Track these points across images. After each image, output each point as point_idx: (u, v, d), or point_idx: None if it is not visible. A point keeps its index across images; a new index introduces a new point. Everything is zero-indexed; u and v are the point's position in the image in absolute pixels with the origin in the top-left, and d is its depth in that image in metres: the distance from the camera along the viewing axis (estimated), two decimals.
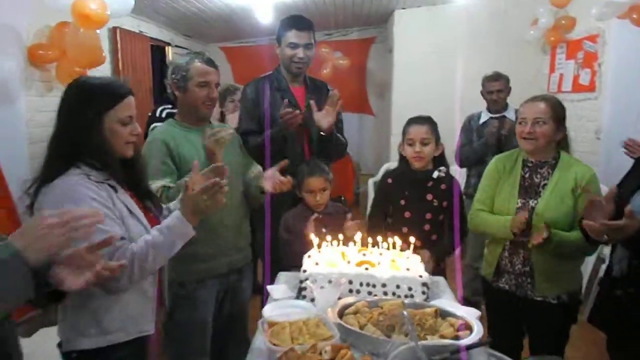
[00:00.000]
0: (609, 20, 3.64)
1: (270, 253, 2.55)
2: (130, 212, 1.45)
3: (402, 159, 2.24)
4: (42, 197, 1.36)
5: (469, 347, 1.16)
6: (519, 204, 2.04)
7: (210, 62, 2.01)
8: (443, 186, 2.17)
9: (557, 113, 2.00)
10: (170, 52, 5.76)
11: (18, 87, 3.14)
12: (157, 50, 5.50)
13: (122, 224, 1.41)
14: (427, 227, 2.14)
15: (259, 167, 2.28)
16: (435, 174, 2.14)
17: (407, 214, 2.16)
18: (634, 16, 3.30)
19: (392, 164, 5.52)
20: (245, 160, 2.24)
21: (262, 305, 2.51)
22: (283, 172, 2.08)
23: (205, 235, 1.69)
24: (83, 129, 1.43)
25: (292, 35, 2.46)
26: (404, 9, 5.50)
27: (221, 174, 1.60)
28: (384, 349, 1.18)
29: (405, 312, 1.19)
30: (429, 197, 2.16)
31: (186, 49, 6.16)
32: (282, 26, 2.52)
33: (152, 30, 5.15)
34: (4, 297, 0.98)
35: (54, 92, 3.51)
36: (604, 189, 1.85)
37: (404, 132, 2.22)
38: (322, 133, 2.40)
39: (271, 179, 2.05)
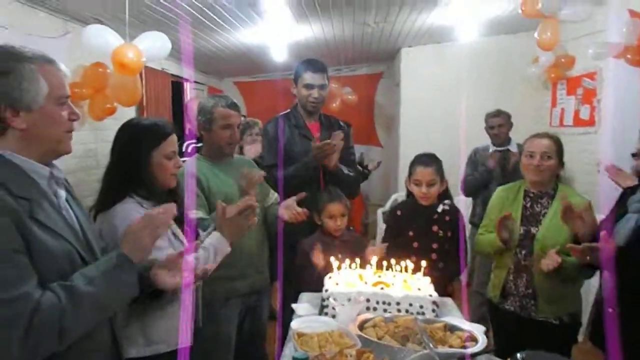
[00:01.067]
0: (605, 59, 3.87)
1: (286, 278, 2.75)
2: (176, 236, 1.66)
3: (409, 193, 2.43)
4: (103, 222, 1.57)
5: (475, 355, 1.32)
6: (522, 231, 2.22)
7: (233, 106, 2.25)
8: (447, 218, 2.36)
9: (560, 149, 2.23)
10: (188, 87, 6.06)
11: None
12: (176, 85, 5.80)
13: (169, 246, 1.61)
14: (434, 256, 2.31)
15: (276, 195, 2.49)
16: (440, 208, 2.33)
17: (415, 244, 2.34)
18: (629, 56, 3.52)
19: (401, 194, 5.73)
20: (264, 188, 2.45)
21: (278, 329, 2.71)
22: (300, 203, 2.28)
23: (229, 258, 1.87)
24: (135, 163, 1.65)
25: (308, 77, 2.70)
26: (410, 47, 5.79)
27: (251, 206, 1.81)
28: (400, 356, 1.35)
29: (420, 324, 1.36)
30: (435, 228, 2.34)
31: (202, 84, 6.47)
32: (298, 68, 2.76)
33: (173, 67, 5.46)
34: (120, 299, 1.23)
35: (86, 127, 3.77)
36: (600, 218, 2.04)
37: (411, 172, 2.40)
38: (329, 169, 2.59)
39: (289, 208, 2.25)
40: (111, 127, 4.06)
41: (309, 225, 2.51)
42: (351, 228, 3.41)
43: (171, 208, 1.31)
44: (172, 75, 5.51)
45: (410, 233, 2.36)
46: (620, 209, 1.89)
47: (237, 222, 1.75)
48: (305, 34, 4.82)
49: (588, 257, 1.81)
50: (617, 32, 3.60)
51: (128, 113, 4.55)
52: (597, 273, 2.08)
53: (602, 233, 1.72)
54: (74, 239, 1.23)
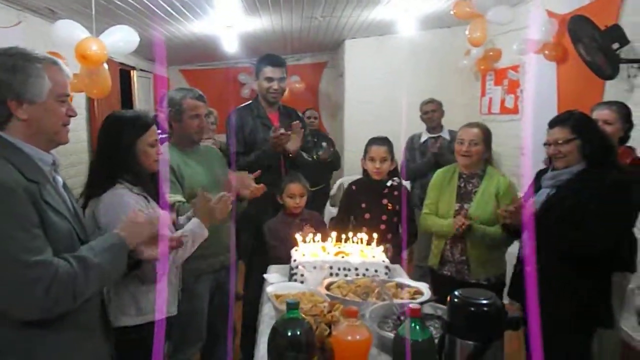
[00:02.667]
0: (527, 53, 4.34)
1: (250, 256, 3.00)
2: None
3: (364, 171, 2.74)
4: (97, 206, 1.74)
5: (422, 303, 1.64)
6: (457, 208, 2.60)
7: (200, 98, 2.44)
8: (395, 193, 2.69)
9: (486, 137, 2.60)
10: (135, 75, 6.05)
11: None
12: (123, 73, 5.79)
13: None
14: (382, 227, 2.63)
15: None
16: (389, 183, 2.66)
17: (366, 216, 2.66)
18: (546, 52, 3.99)
19: (347, 178, 6.07)
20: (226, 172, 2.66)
21: (243, 309, 2.94)
22: (258, 181, 2.51)
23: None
24: (123, 151, 1.82)
25: (268, 71, 2.94)
26: (353, 38, 6.09)
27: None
28: (363, 307, 1.65)
29: (378, 282, 1.67)
30: (384, 201, 2.67)
31: (149, 72, 6.47)
32: (259, 63, 2.99)
33: (120, 56, 5.44)
34: (115, 273, 1.42)
35: None
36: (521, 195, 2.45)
37: (367, 150, 2.71)
38: (289, 155, 2.87)
39: (246, 186, 2.42)
40: None
41: (273, 207, 2.77)
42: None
43: (169, 218, 1.52)
44: (120, 63, 5.50)
45: (363, 205, 2.68)
46: (536, 185, 2.29)
47: (214, 209, 1.95)
48: (254, 25, 4.99)
49: (514, 220, 2.20)
50: (537, 30, 4.07)
51: (78, 102, 4.57)
52: (517, 242, 2.49)
53: (526, 202, 2.11)
54: (71, 218, 1.42)
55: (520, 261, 2.36)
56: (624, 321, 2.51)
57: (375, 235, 2.27)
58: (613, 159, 2.14)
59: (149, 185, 1.89)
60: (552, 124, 2.19)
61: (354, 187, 2.77)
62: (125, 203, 1.74)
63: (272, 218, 2.70)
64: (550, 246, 2.07)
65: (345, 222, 2.69)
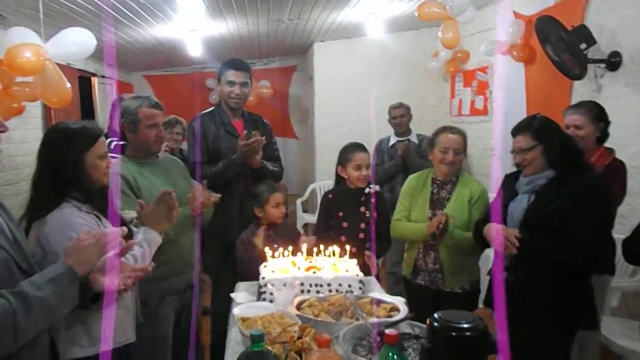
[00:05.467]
0: (495, 55, 4.34)
1: (217, 272, 2.86)
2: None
3: (340, 178, 2.63)
4: (41, 229, 1.58)
5: (398, 321, 1.55)
6: (430, 214, 2.52)
7: (157, 106, 2.27)
8: (373, 200, 2.60)
9: (465, 144, 2.54)
10: (96, 82, 5.82)
11: None
12: (84, 81, 5.55)
13: None
14: (361, 235, 2.54)
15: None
16: (367, 190, 2.57)
17: (344, 224, 2.56)
18: (514, 53, 3.99)
19: (319, 184, 5.98)
20: (190, 183, 2.50)
21: (212, 323, 2.81)
22: (227, 200, 2.39)
23: (162, 256, 1.94)
24: (69, 167, 1.67)
25: (230, 75, 2.80)
26: (322, 41, 6.01)
27: (169, 193, 1.88)
28: (336, 329, 1.54)
29: (351, 299, 1.56)
30: (362, 209, 2.57)
31: (111, 78, 6.24)
32: (222, 67, 2.85)
33: (79, 62, 5.22)
34: (65, 305, 1.27)
35: None
36: (492, 197, 2.38)
37: (349, 158, 2.56)
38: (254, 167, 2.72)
39: (201, 195, 2.27)
40: (18, 126, 3.88)
41: (240, 219, 2.64)
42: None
43: (120, 230, 1.39)
44: (79, 70, 5.27)
45: (340, 214, 2.58)
46: (508, 191, 2.23)
47: (157, 212, 1.85)
48: (220, 29, 4.85)
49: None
50: (504, 31, 4.07)
51: (33, 112, 4.33)
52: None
53: (495, 206, 2.07)
54: (8, 246, 1.26)
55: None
56: (603, 324, 2.48)
57: (347, 247, 2.17)
58: (580, 162, 2.11)
59: (99, 202, 1.74)
60: (515, 132, 2.16)
61: (330, 196, 2.67)
62: (73, 223, 1.58)
63: (242, 230, 2.57)
64: (535, 255, 2.02)
65: (326, 232, 2.60)
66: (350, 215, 2.56)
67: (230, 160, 2.69)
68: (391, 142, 4.27)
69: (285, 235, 2.45)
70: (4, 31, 3.72)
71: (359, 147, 2.62)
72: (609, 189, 2.12)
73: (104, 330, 1.67)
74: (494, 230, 2.08)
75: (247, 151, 2.63)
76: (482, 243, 2.29)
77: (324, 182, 5.88)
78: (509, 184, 2.22)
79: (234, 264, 2.55)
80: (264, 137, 2.69)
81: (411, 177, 2.70)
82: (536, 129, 2.08)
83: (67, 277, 1.26)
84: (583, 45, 3.07)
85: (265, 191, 2.51)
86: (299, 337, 1.41)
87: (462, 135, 2.53)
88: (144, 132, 2.23)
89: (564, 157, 2.06)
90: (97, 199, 1.74)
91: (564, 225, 1.98)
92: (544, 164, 2.08)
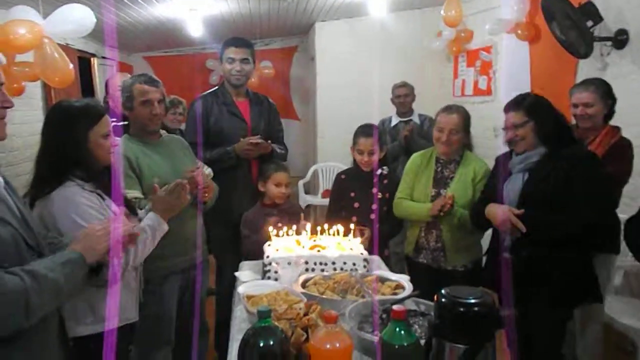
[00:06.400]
0: (500, 34, 4.29)
1: (221, 251, 2.86)
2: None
3: (354, 159, 2.66)
4: (44, 208, 1.57)
5: (404, 299, 1.55)
6: (433, 193, 2.51)
7: (150, 82, 2.24)
8: (385, 181, 2.60)
9: (466, 123, 2.50)
10: (96, 63, 5.77)
11: None
12: (83, 61, 5.50)
13: None
14: (372, 216, 2.55)
15: (209, 169, 2.57)
16: (379, 172, 2.56)
17: (356, 205, 2.58)
18: (519, 32, 3.94)
19: (320, 165, 5.96)
20: (195, 164, 2.50)
21: (216, 303, 2.82)
22: (233, 181, 2.38)
23: (166, 236, 1.91)
24: (72, 145, 1.65)
25: (230, 52, 2.78)
26: (324, 21, 5.93)
27: (182, 185, 1.88)
28: (342, 306, 1.54)
29: (357, 277, 1.56)
30: (374, 190, 2.57)
31: (111, 59, 6.18)
32: (222, 46, 2.83)
33: (78, 43, 5.17)
34: (73, 290, 1.30)
35: None
36: None
37: (355, 141, 2.61)
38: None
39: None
40: (18, 107, 3.84)
41: (244, 201, 2.63)
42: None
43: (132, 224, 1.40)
44: (79, 50, 5.22)
45: (352, 194, 2.60)
46: (500, 170, 2.22)
47: (169, 200, 1.84)
48: (220, 8, 4.78)
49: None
50: (509, 9, 4.01)
51: (34, 92, 4.30)
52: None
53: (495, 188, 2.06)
54: (17, 225, 1.26)
55: (493, 249, 2.28)
56: (607, 303, 2.49)
57: (352, 225, 2.17)
58: (571, 137, 2.13)
59: (103, 181, 1.73)
60: (507, 108, 2.16)
61: (343, 177, 2.71)
62: (77, 203, 1.58)
63: (246, 211, 2.57)
64: (535, 233, 2.02)
65: (338, 212, 2.61)
66: (362, 196, 2.58)
67: (225, 151, 2.70)
68: (393, 123, 4.23)
69: (288, 215, 2.45)
70: (6, 11, 3.69)
71: (363, 131, 2.62)
72: (599, 159, 2.15)
73: (109, 309, 1.69)
74: (500, 211, 2.07)
75: (248, 150, 2.64)
76: (479, 226, 2.30)
77: (326, 164, 5.86)
78: (503, 164, 2.22)
79: (238, 244, 2.56)
80: (269, 146, 2.72)
81: (415, 155, 2.68)
82: (529, 105, 2.10)
83: (78, 263, 1.29)
84: (589, 23, 3.03)
85: (270, 168, 2.52)
86: (305, 314, 1.41)
87: (462, 114, 2.48)
88: (138, 109, 2.21)
89: (555, 134, 2.07)
90: (99, 178, 1.73)
91: (561, 198, 1.98)
92: (535, 141, 2.09)
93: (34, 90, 4.24)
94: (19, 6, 2.84)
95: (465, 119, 2.50)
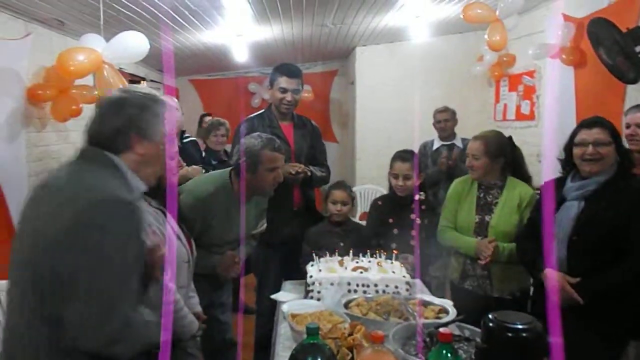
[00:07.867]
0: (544, 58, 4.25)
1: (261, 272, 2.90)
2: (177, 236, 1.77)
3: (389, 184, 2.68)
4: None
5: (448, 323, 1.54)
6: (477, 219, 2.49)
7: (279, 149, 2.27)
8: (423, 207, 2.60)
9: (490, 148, 2.44)
10: (146, 86, 6.03)
11: (19, 125, 3.37)
12: (133, 84, 5.77)
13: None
14: (412, 242, 2.54)
15: (265, 225, 2.57)
16: (417, 197, 2.57)
17: (395, 231, 2.59)
18: (563, 57, 3.90)
19: (359, 188, 5.99)
20: (261, 217, 2.52)
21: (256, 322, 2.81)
22: (275, 209, 2.43)
23: None
24: None
25: (282, 81, 2.84)
26: (364, 45, 6.02)
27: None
28: (385, 328, 1.55)
29: (401, 300, 1.57)
30: (412, 216, 2.57)
31: (159, 82, 6.45)
32: (274, 72, 2.89)
33: (130, 67, 5.43)
34: None
35: (48, 128, 3.75)
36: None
37: (391, 165, 2.65)
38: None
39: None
40: (74, 128, 4.06)
41: (287, 221, 2.70)
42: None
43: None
44: (130, 74, 5.48)
45: (390, 220, 2.61)
46: (552, 199, 2.12)
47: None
48: (265, 34, 4.94)
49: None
50: (553, 34, 3.98)
51: (90, 114, 4.53)
52: None
53: (547, 215, 2.00)
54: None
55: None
56: None
57: (394, 252, 2.19)
58: (631, 167, 2.06)
59: (163, 198, 1.80)
60: (591, 124, 2.04)
61: (379, 203, 2.73)
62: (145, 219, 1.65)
63: (288, 234, 2.63)
64: (594, 266, 1.96)
65: (374, 238, 2.61)
66: (401, 223, 2.58)
67: None
68: (435, 146, 4.22)
69: (349, 236, 2.49)
70: (63, 37, 3.94)
71: (400, 156, 2.64)
72: None
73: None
74: (551, 282, 1.99)
75: (287, 177, 2.58)
76: (527, 265, 2.24)
77: (364, 187, 5.87)
78: (553, 191, 2.15)
79: (279, 265, 2.60)
80: (309, 173, 2.75)
81: (456, 182, 2.68)
82: (611, 126, 2.01)
83: None
84: (638, 48, 2.97)
85: (328, 187, 2.58)
86: (350, 334, 1.43)
87: (483, 140, 2.46)
88: (263, 174, 2.23)
89: (627, 161, 2.02)
90: (163, 195, 1.80)
91: (619, 235, 1.91)
92: (611, 164, 2.00)
93: (91, 113, 4.46)
94: (88, 35, 3.05)
95: (489, 144, 2.45)
